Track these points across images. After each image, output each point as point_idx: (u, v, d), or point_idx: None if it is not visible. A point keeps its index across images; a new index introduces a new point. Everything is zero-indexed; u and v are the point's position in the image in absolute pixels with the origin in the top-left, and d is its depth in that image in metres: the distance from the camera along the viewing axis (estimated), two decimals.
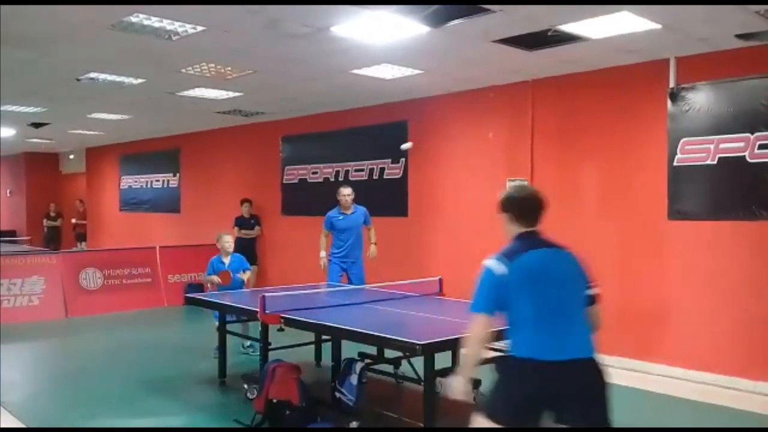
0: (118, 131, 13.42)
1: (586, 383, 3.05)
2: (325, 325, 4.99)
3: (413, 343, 4.16)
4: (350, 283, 7.75)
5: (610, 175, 7.05)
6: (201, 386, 6.24)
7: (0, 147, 15.96)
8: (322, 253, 8.01)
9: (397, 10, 5.07)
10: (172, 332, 9.14)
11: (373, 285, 6.71)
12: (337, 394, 4.95)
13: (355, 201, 8.17)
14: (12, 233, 18.18)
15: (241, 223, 11.48)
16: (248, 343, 7.04)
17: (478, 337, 3.12)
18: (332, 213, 8.01)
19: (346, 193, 7.96)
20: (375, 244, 8.05)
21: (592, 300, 3.27)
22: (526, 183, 3.34)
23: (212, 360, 6.63)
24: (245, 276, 7.27)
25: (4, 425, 5.13)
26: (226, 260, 7.25)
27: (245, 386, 5.72)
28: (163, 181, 14.60)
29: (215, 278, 7.07)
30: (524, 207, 3.40)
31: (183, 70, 7.29)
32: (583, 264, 3.31)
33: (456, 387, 3.20)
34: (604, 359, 7.05)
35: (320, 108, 10.11)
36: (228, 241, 7.33)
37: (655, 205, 6.62)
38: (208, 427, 5.15)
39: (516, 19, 5.26)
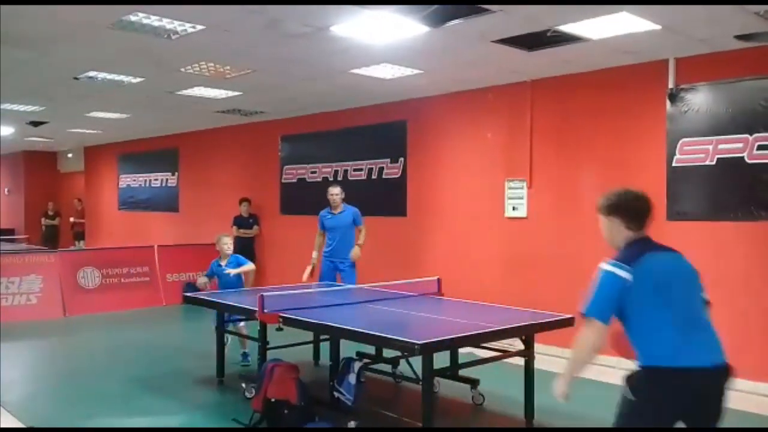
0: (116, 130, 13.41)
1: (722, 389, 2.95)
2: (323, 324, 4.99)
3: (412, 342, 4.16)
4: (342, 282, 7.75)
5: (609, 176, 7.05)
6: (199, 385, 6.24)
7: None
8: (314, 254, 7.99)
9: (396, 10, 5.07)
10: (170, 331, 9.14)
11: (371, 284, 6.71)
12: (336, 394, 4.95)
13: (353, 201, 8.14)
14: (10, 232, 18.16)
15: (239, 222, 11.48)
16: (244, 349, 7.00)
17: (592, 345, 2.95)
18: (323, 212, 8.03)
19: (334, 192, 7.93)
20: (359, 245, 7.88)
21: (706, 304, 3.14)
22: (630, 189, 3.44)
23: (238, 366, 6.77)
24: (236, 271, 6.96)
25: (2, 424, 5.13)
26: (224, 263, 7.07)
27: (243, 385, 5.72)
28: (162, 180, 14.59)
29: (202, 282, 7.08)
30: (637, 211, 3.28)
31: (182, 69, 7.29)
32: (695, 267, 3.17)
33: (558, 389, 3.18)
34: (605, 360, 7.03)
35: (319, 107, 10.11)
36: (226, 243, 7.16)
37: (654, 205, 6.61)
38: (206, 427, 5.15)
39: (515, 19, 5.27)
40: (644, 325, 2.95)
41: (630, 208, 3.28)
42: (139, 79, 7.90)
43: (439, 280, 6.36)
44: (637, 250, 3.11)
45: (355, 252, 7.89)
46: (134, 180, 15.63)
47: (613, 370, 6.77)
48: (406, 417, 5.03)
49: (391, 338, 4.37)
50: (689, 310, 3.00)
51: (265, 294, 5.37)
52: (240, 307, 5.86)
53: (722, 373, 2.94)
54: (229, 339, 7.12)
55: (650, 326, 2.94)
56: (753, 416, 5.38)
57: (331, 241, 7.92)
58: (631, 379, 2.98)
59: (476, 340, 4.87)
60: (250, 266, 7.16)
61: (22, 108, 10.30)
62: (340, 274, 7.89)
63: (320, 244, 8.04)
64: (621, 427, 2.99)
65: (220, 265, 7.08)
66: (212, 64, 7.10)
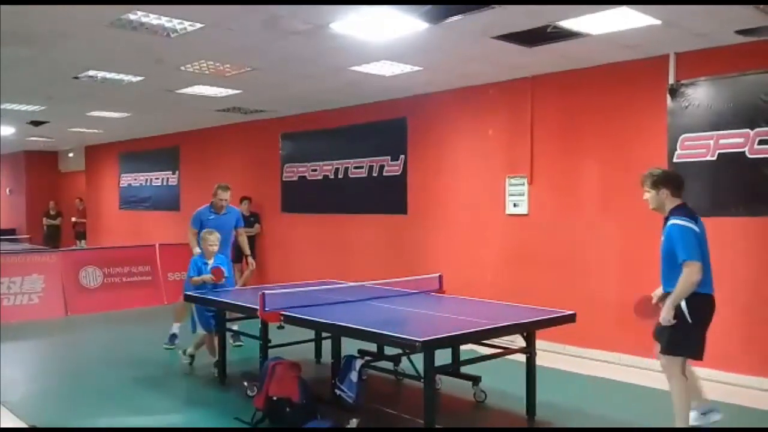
0: (117, 129, 13.41)
1: None
2: (325, 322, 4.98)
3: (413, 339, 4.16)
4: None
5: (610, 172, 7.05)
6: (201, 384, 6.24)
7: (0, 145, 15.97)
8: (198, 249, 7.18)
9: (396, 6, 5.05)
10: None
11: (372, 282, 6.71)
12: (337, 392, 4.94)
13: (354, 199, 8.08)
14: (12, 232, 18.20)
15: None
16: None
17: (695, 280, 4.23)
18: (203, 210, 7.59)
19: (224, 197, 7.55)
20: (250, 255, 7.80)
21: None
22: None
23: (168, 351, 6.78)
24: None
25: (3, 423, 5.13)
26: (211, 261, 6.71)
27: (245, 384, 5.72)
28: (163, 178, 14.59)
29: (208, 278, 6.53)
30: (680, 183, 4.55)
31: (182, 68, 7.28)
32: None
33: (667, 316, 4.30)
34: (605, 355, 7.04)
35: (320, 105, 10.10)
36: (213, 243, 6.71)
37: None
38: (208, 427, 5.15)
39: (515, 15, 5.25)
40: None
41: (674, 182, 4.52)
42: (138, 78, 7.90)
43: (440, 278, 6.35)
44: (691, 211, 4.44)
45: (252, 263, 7.75)
46: (135, 179, 15.63)
47: (614, 366, 6.80)
48: (407, 414, 5.03)
49: (392, 336, 4.37)
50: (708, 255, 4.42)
51: (266, 292, 5.36)
52: (241, 305, 5.85)
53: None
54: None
55: (703, 265, 4.31)
56: (756, 412, 5.37)
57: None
58: (689, 302, 4.29)
59: (478, 337, 4.86)
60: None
61: (22, 108, 10.29)
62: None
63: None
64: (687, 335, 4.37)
65: (206, 263, 6.70)
66: (212, 63, 7.09)
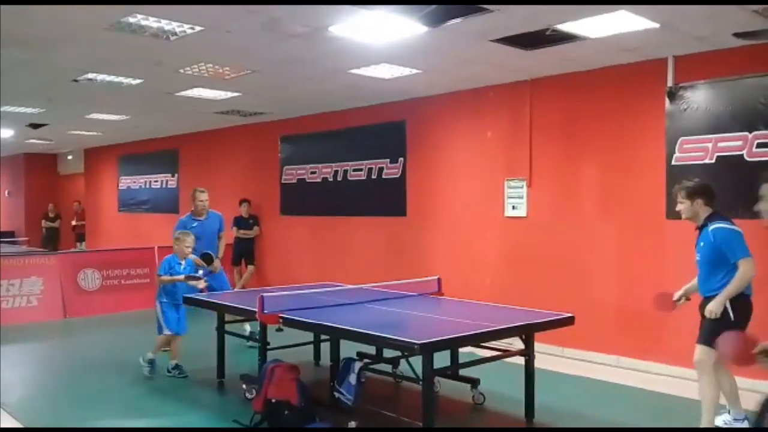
0: (116, 132, 13.41)
1: None
2: (323, 325, 4.98)
3: (411, 342, 4.16)
4: (211, 289, 7.05)
5: (609, 175, 7.05)
6: (200, 386, 6.24)
7: None
8: (192, 256, 7.11)
9: (395, 9, 5.07)
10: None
11: (372, 284, 6.71)
12: (336, 394, 4.95)
13: (353, 202, 8.08)
14: (11, 234, 18.16)
15: (239, 223, 11.48)
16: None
17: (752, 276, 4.48)
18: (185, 219, 7.63)
19: (203, 198, 7.61)
20: (219, 258, 7.51)
21: None
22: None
23: (166, 354, 6.62)
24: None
25: (2, 425, 5.13)
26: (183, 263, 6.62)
27: (244, 386, 5.72)
28: (162, 181, 14.59)
29: (180, 278, 6.44)
30: (712, 192, 4.75)
31: (181, 71, 7.29)
32: None
33: (715, 309, 4.49)
34: (604, 358, 7.04)
35: (319, 108, 10.11)
36: (189, 245, 6.65)
37: (653, 204, 6.62)
38: (207, 427, 5.15)
39: (514, 18, 5.26)
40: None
41: (707, 190, 4.73)
42: (138, 81, 7.90)
43: (439, 280, 6.35)
44: (726, 217, 4.66)
45: (217, 265, 7.36)
46: (134, 182, 15.63)
47: (613, 369, 6.80)
48: (406, 417, 5.02)
49: (391, 338, 4.37)
50: None
51: (265, 294, 5.36)
52: (239, 307, 5.85)
53: None
54: None
55: None
56: (753, 415, 5.36)
57: (199, 247, 7.08)
58: (735, 302, 4.51)
59: (476, 340, 4.87)
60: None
61: (21, 110, 10.29)
62: (210, 279, 7.17)
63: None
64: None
65: (179, 263, 6.60)
66: (211, 65, 7.09)
